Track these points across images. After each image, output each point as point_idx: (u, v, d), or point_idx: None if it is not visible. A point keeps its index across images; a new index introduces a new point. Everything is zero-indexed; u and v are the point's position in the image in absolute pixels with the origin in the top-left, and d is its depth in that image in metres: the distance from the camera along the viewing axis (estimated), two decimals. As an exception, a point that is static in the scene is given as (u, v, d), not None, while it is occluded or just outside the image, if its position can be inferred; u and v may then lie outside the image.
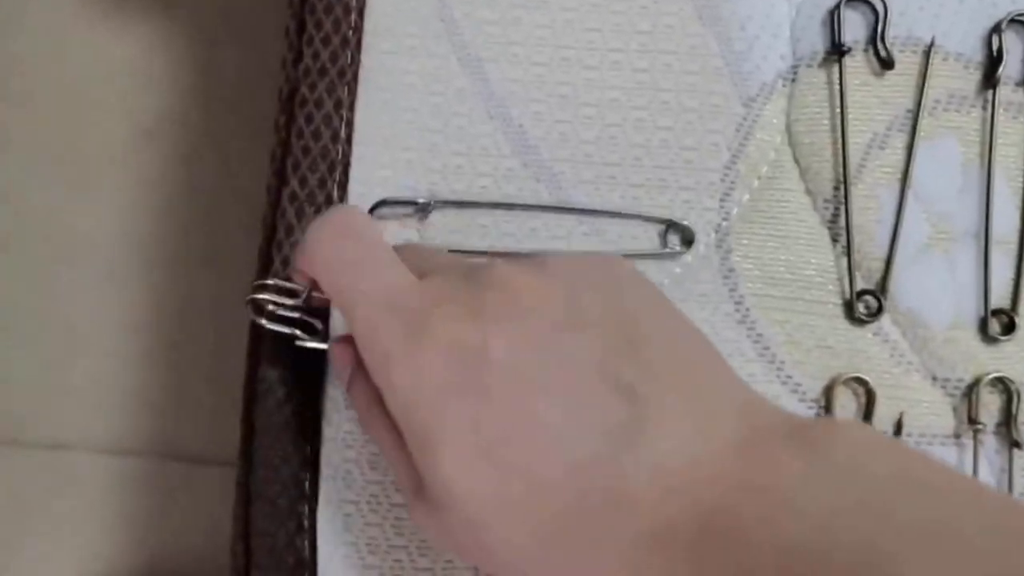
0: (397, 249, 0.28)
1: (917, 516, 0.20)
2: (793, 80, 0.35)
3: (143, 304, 0.88)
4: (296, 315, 0.31)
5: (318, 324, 0.32)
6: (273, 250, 0.33)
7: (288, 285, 0.31)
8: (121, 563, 0.85)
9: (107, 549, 0.85)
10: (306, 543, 0.32)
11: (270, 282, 0.31)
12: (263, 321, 0.31)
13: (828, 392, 0.33)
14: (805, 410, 0.33)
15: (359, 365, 0.28)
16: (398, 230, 0.33)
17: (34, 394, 0.86)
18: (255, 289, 0.31)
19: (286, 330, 0.31)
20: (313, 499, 0.33)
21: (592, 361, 0.24)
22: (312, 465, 0.33)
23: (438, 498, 0.24)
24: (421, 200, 0.33)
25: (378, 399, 0.26)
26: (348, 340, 0.28)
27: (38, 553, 0.85)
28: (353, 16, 0.34)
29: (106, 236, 0.89)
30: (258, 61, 0.91)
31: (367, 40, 0.35)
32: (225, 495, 0.91)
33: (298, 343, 0.31)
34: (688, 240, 0.34)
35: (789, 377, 0.33)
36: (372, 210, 0.33)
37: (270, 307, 0.31)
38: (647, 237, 0.34)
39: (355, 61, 0.34)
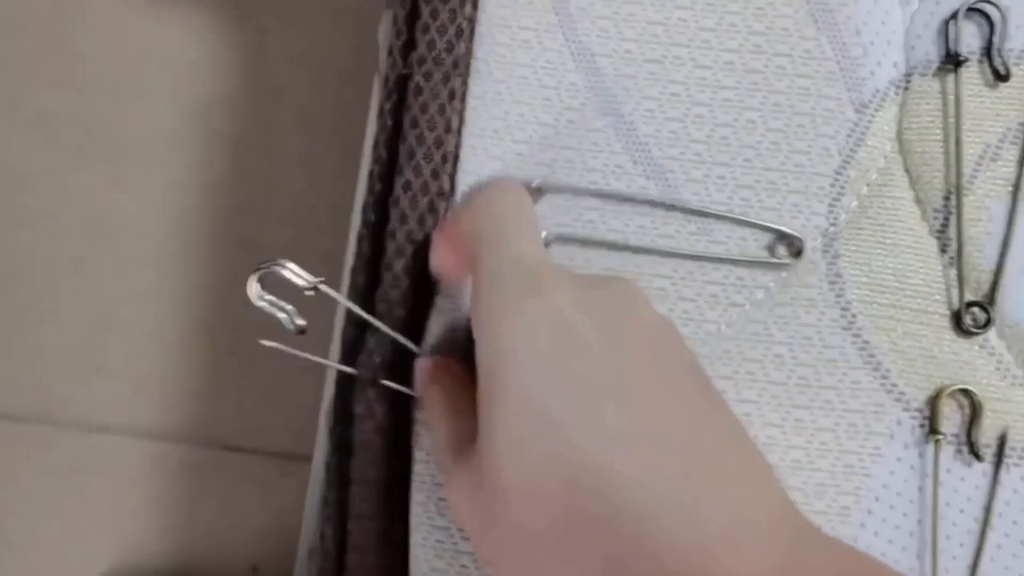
0: None
1: None
2: (906, 88, 0.35)
3: (182, 288, 0.88)
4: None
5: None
6: (387, 239, 0.33)
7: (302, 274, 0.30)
8: (152, 546, 0.85)
9: (138, 531, 0.85)
10: (399, 527, 0.32)
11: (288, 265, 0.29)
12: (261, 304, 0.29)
13: (933, 403, 0.33)
14: (909, 420, 0.33)
15: (442, 372, 0.30)
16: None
17: (72, 374, 0.87)
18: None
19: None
20: (406, 483, 0.33)
21: (664, 396, 0.24)
22: (406, 449, 0.33)
23: (482, 457, 0.25)
24: (535, 184, 0.33)
25: (450, 407, 0.29)
26: (435, 359, 0.30)
27: (69, 531, 0.85)
28: (468, 7, 0.34)
29: (148, 219, 0.89)
30: (305, 49, 0.91)
31: (480, 31, 0.35)
32: (257, 482, 0.91)
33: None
34: (797, 251, 0.33)
35: (894, 386, 0.33)
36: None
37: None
38: (754, 240, 0.34)
39: (468, 52, 0.34)
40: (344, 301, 0.31)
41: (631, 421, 0.24)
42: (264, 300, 0.29)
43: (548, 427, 0.24)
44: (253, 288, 0.29)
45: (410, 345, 0.32)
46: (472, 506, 0.26)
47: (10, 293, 0.88)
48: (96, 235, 0.89)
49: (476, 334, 0.26)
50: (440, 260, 0.31)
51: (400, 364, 0.32)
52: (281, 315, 0.29)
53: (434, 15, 0.34)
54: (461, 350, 0.32)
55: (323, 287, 0.29)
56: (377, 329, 0.32)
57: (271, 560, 0.85)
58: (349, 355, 0.33)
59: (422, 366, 0.31)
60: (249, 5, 0.93)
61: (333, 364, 0.33)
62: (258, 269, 0.29)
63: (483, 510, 0.25)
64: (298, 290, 0.29)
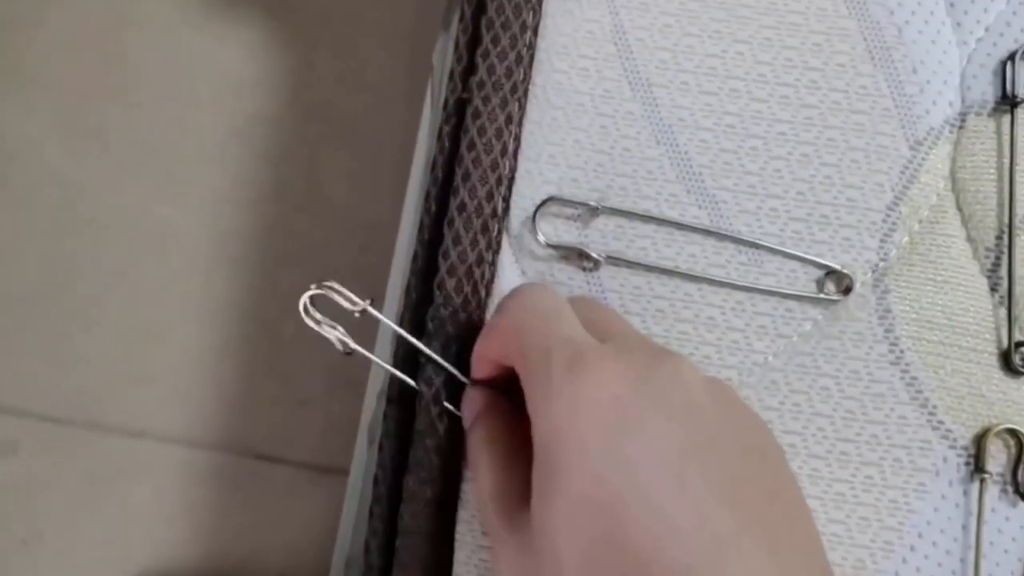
0: (579, 298, 0.30)
1: None
2: (961, 127, 0.35)
3: (223, 298, 0.89)
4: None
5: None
6: (440, 258, 0.33)
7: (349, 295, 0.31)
8: (183, 551, 0.86)
9: (171, 537, 0.86)
10: (448, 546, 0.33)
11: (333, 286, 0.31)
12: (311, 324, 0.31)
13: (979, 441, 0.33)
14: (955, 457, 0.33)
15: (493, 406, 0.30)
16: (561, 229, 0.34)
17: (114, 380, 0.88)
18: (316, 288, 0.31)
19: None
20: (455, 504, 0.33)
21: (721, 481, 0.24)
22: (459, 472, 0.33)
23: (536, 531, 0.25)
24: (592, 203, 0.33)
25: (497, 440, 0.29)
26: (482, 388, 0.31)
27: (105, 534, 0.86)
28: (528, 34, 0.35)
29: (193, 230, 0.91)
30: (352, 70, 0.93)
31: (540, 57, 0.35)
32: (291, 494, 0.92)
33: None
34: (846, 288, 0.34)
35: (940, 423, 0.33)
36: (540, 206, 0.34)
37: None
38: (805, 273, 0.34)
39: (527, 78, 0.35)
40: (390, 324, 0.32)
41: (690, 507, 0.24)
42: (315, 320, 0.30)
43: (605, 511, 0.24)
44: (304, 309, 0.30)
45: (456, 373, 0.33)
46: (518, 568, 0.26)
47: (57, 300, 0.90)
48: (142, 246, 0.91)
49: (531, 411, 0.26)
50: (480, 370, 0.31)
51: (459, 384, 0.33)
52: (331, 336, 0.30)
53: (495, 41, 0.35)
54: (510, 376, 0.33)
55: (370, 309, 0.30)
56: (432, 349, 0.33)
57: (299, 570, 0.85)
58: (404, 371, 0.34)
59: (472, 398, 0.31)
60: (299, 24, 0.95)
61: (407, 379, 0.33)
62: (309, 290, 0.30)
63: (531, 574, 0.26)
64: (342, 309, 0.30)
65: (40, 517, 0.86)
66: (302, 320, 0.30)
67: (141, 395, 0.88)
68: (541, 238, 0.34)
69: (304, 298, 0.30)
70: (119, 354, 0.89)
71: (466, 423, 0.32)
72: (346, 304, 0.30)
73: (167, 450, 0.87)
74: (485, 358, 0.30)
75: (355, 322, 0.31)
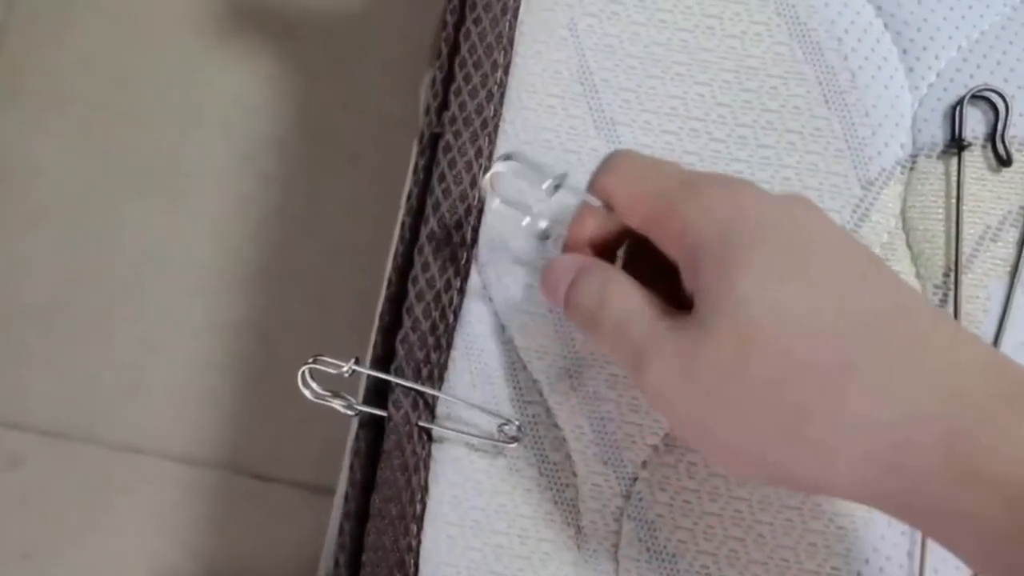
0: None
1: None
2: (911, 168, 0.36)
3: (225, 318, 0.91)
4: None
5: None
6: (409, 284, 0.35)
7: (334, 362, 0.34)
8: (180, 567, 0.87)
9: (169, 553, 0.87)
10: (412, 561, 0.34)
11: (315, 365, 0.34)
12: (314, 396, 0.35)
13: (924, 470, 0.34)
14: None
15: (587, 262, 0.30)
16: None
17: (115, 396, 0.90)
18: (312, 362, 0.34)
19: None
20: (420, 520, 0.35)
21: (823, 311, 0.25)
22: (424, 488, 0.35)
23: (713, 325, 0.26)
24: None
25: (619, 277, 0.29)
26: (563, 259, 0.31)
27: (103, 549, 0.88)
28: (499, 73, 0.37)
29: (196, 251, 0.93)
30: (354, 97, 0.95)
31: (510, 95, 0.37)
32: (286, 513, 0.93)
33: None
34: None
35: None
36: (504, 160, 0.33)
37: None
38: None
39: (497, 114, 0.37)
40: (373, 373, 0.36)
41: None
42: (318, 397, 0.34)
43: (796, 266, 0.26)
44: (306, 390, 0.34)
45: (426, 390, 0.34)
46: (681, 365, 0.27)
47: (61, 316, 0.92)
48: (147, 264, 0.93)
49: (683, 221, 0.28)
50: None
51: (424, 407, 0.35)
52: (336, 404, 0.35)
53: (467, 79, 0.37)
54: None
55: (356, 368, 0.34)
56: (401, 374, 0.34)
57: (293, 588, 0.87)
58: (375, 395, 0.36)
59: (563, 264, 0.31)
60: (306, 52, 0.97)
61: (376, 410, 0.35)
62: (302, 368, 0.34)
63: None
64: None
65: (40, 531, 0.88)
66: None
67: (142, 412, 0.90)
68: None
69: (299, 376, 0.34)
70: (120, 371, 0.91)
71: (560, 289, 0.30)
72: (333, 371, 0.34)
73: (165, 466, 0.89)
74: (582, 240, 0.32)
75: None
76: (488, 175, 0.31)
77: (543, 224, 0.32)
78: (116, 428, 0.90)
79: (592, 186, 0.30)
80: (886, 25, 0.37)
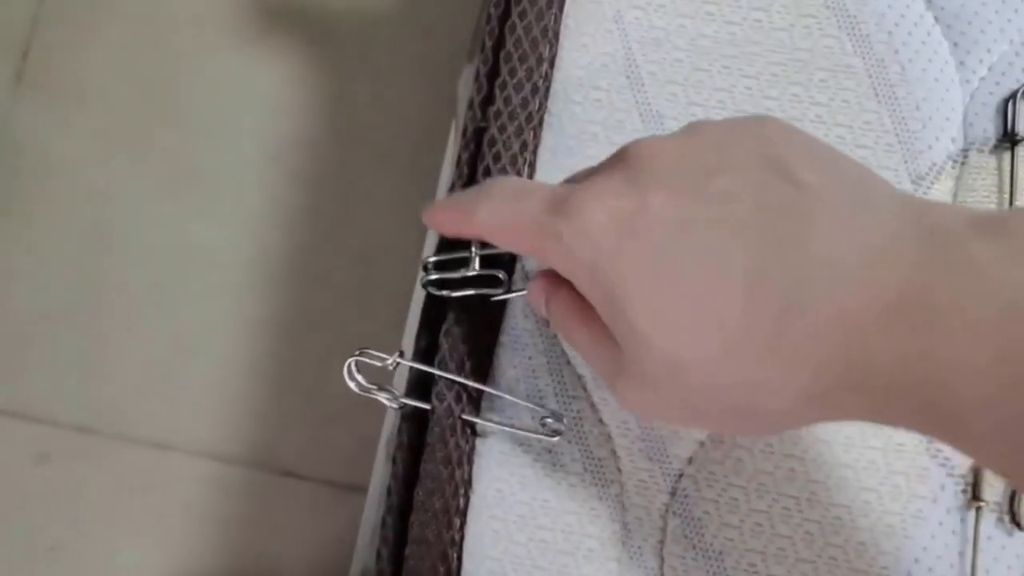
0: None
1: None
2: (963, 163, 0.36)
3: (253, 316, 0.92)
4: (470, 289, 0.35)
5: (502, 276, 0.34)
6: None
7: (457, 256, 0.34)
8: (207, 564, 0.88)
9: (196, 550, 0.87)
10: (455, 555, 0.34)
11: (437, 259, 0.34)
12: (445, 292, 0.34)
13: (976, 470, 0.33)
14: (953, 485, 0.33)
15: (553, 286, 0.30)
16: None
17: (144, 392, 0.91)
18: (426, 268, 0.35)
19: (472, 292, 0.34)
20: (464, 513, 0.35)
21: (748, 187, 0.25)
22: (467, 482, 0.35)
23: (637, 357, 0.26)
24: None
25: (573, 307, 0.29)
26: (539, 277, 0.31)
27: (131, 545, 0.88)
28: (545, 67, 0.37)
29: (226, 250, 0.93)
30: (388, 98, 0.95)
31: (555, 88, 0.37)
32: (313, 510, 0.93)
33: (494, 299, 0.35)
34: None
35: (939, 451, 0.34)
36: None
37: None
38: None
39: (542, 108, 0.37)
40: (417, 365, 0.35)
41: (728, 231, 0.25)
42: (364, 389, 0.34)
43: (671, 291, 0.25)
44: (351, 382, 0.34)
45: (476, 385, 0.34)
46: (660, 395, 0.27)
47: (93, 313, 0.93)
48: (177, 263, 0.93)
49: (562, 269, 0.28)
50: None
51: (467, 400, 0.35)
52: (381, 397, 0.34)
53: (512, 73, 0.36)
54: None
55: (400, 360, 0.34)
56: (445, 367, 0.34)
57: (319, 585, 0.87)
58: (417, 389, 0.36)
59: (535, 288, 0.31)
60: (338, 52, 0.98)
61: (419, 403, 0.35)
62: (346, 364, 0.34)
63: (670, 388, 0.26)
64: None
65: (67, 526, 0.89)
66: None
67: (170, 409, 0.90)
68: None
69: (345, 368, 0.34)
70: (150, 368, 0.91)
71: (540, 311, 0.32)
72: (378, 363, 0.34)
73: (194, 463, 0.89)
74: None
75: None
76: None
77: None
78: (145, 424, 0.90)
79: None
80: (936, 18, 0.37)
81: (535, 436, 0.34)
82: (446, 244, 0.35)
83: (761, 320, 0.24)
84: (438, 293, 0.35)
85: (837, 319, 0.23)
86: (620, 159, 0.27)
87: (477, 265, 0.33)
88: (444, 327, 0.35)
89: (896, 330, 0.22)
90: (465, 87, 0.48)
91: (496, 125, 0.36)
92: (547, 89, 0.37)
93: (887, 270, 0.23)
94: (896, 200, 0.25)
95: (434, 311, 0.36)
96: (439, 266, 0.35)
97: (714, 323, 0.25)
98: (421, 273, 0.35)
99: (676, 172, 0.26)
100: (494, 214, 0.29)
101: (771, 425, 0.27)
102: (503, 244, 0.30)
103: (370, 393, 0.34)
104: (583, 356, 0.30)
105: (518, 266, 0.36)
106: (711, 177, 0.25)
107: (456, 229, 0.31)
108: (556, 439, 0.34)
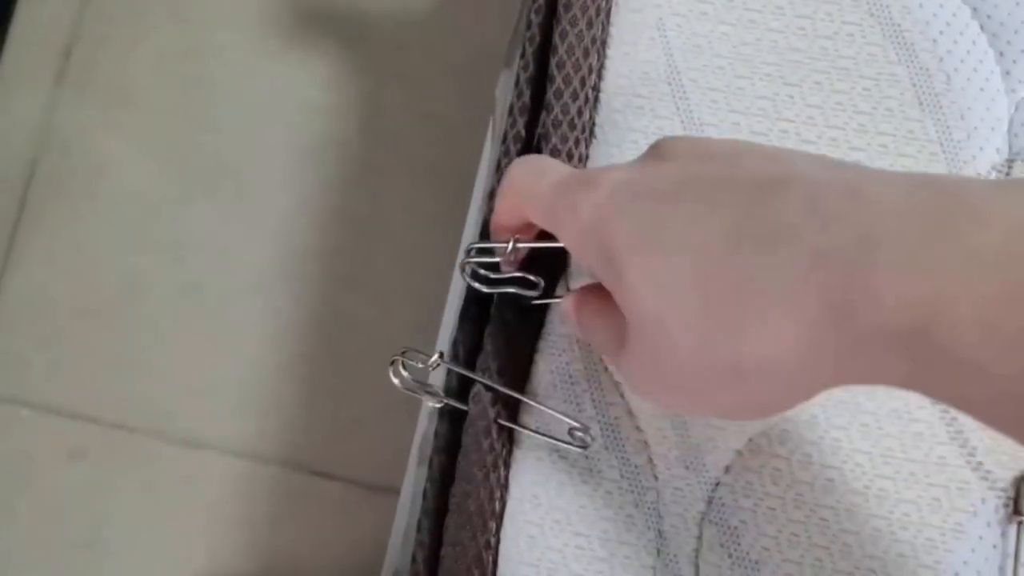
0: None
1: None
2: (1007, 174, 0.36)
3: (285, 317, 0.92)
4: (510, 287, 0.35)
5: (536, 279, 0.34)
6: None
7: (492, 244, 0.34)
8: (238, 561, 0.88)
9: (226, 546, 0.88)
10: (491, 559, 0.34)
11: (480, 245, 0.35)
12: (478, 285, 0.34)
13: (1018, 484, 0.33)
14: (994, 499, 0.33)
15: (584, 297, 0.31)
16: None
17: (179, 390, 0.92)
18: (468, 253, 0.35)
19: (511, 290, 0.34)
20: (500, 517, 0.35)
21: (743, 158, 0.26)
22: (503, 486, 0.35)
23: (638, 324, 0.26)
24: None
25: (596, 306, 0.30)
26: (575, 291, 0.32)
27: (162, 541, 0.89)
28: (594, 76, 0.37)
29: (258, 250, 0.94)
30: (421, 102, 0.96)
31: (602, 98, 0.37)
32: (344, 510, 0.94)
33: (530, 302, 0.35)
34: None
35: (980, 464, 0.33)
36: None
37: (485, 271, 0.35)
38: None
39: (591, 117, 0.37)
40: (458, 369, 0.35)
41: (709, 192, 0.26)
42: (408, 387, 0.34)
43: (661, 251, 0.26)
44: (396, 379, 0.34)
45: (510, 392, 0.34)
46: (659, 368, 0.27)
47: (128, 312, 0.94)
48: (211, 263, 0.94)
49: (568, 243, 0.29)
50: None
51: (504, 404, 0.35)
52: (425, 397, 0.35)
53: (567, 81, 0.36)
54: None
55: (442, 362, 0.34)
56: (486, 370, 0.34)
57: (348, 585, 0.87)
58: (456, 391, 0.36)
59: (565, 304, 0.32)
60: (371, 56, 0.98)
61: (458, 404, 0.35)
62: (392, 362, 0.34)
63: (668, 359, 0.26)
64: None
65: (103, 521, 0.90)
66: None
67: (204, 407, 0.91)
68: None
69: (390, 367, 0.34)
70: (185, 367, 0.92)
71: (570, 318, 0.32)
72: (420, 365, 0.34)
73: (226, 461, 0.90)
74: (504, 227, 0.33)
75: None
76: None
77: None
78: (179, 423, 0.91)
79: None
80: (982, 27, 0.36)
81: (563, 445, 0.34)
82: (487, 234, 0.36)
83: (737, 266, 0.24)
84: (472, 283, 0.35)
85: (818, 256, 0.22)
86: (647, 151, 0.29)
87: (511, 249, 0.33)
88: (488, 330, 0.35)
89: (880, 264, 0.21)
90: (503, 92, 0.48)
91: (557, 134, 0.36)
92: (596, 98, 0.37)
93: (872, 209, 0.22)
94: (888, 171, 0.25)
95: (473, 308, 0.37)
96: (481, 252, 0.35)
97: (696, 277, 0.25)
98: (461, 256, 0.35)
99: (692, 153, 0.27)
100: (522, 179, 0.31)
101: (767, 393, 0.25)
102: (527, 211, 0.31)
103: (414, 392, 0.34)
104: (597, 346, 0.31)
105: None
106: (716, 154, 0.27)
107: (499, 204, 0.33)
108: (578, 451, 0.34)
